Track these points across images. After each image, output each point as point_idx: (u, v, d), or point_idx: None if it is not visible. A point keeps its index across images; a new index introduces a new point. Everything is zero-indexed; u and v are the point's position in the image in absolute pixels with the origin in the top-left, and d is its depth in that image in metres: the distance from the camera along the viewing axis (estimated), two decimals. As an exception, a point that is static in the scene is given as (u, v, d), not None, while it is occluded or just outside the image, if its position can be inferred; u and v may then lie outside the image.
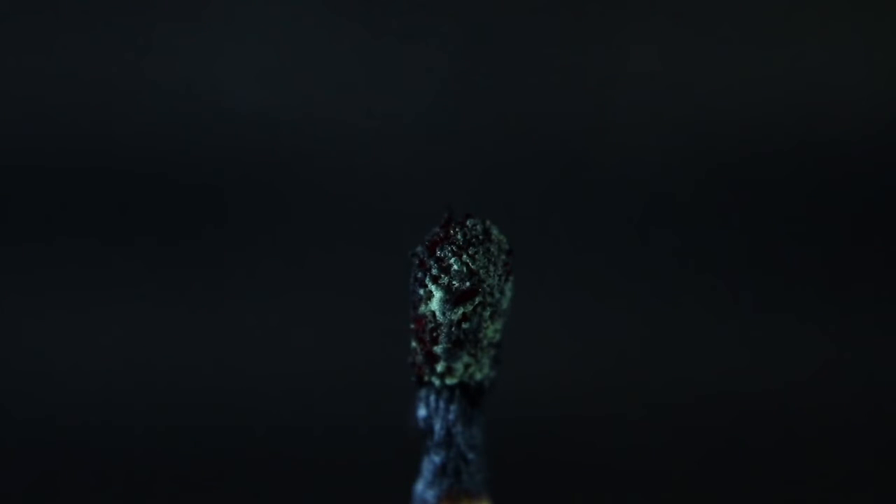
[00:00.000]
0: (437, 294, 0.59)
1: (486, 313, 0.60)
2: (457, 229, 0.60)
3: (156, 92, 1.26)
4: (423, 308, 0.59)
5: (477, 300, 0.59)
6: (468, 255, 0.59)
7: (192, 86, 1.26)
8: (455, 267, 0.59)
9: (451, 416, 0.61)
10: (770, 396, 1.21)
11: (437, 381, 0.61)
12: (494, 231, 0.60)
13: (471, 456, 0.62)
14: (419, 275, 0.60)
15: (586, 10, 1.28)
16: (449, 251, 0.59)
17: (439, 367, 0.61)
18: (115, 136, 1.26)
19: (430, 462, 0.62)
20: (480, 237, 0.60)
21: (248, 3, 1.27)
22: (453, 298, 0.59)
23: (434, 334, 0.60)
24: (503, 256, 0.60)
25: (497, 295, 0.60)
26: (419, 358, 0.61)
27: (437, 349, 0.60)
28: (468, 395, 0.61)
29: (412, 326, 0.60)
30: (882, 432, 1.20)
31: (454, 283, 0.59)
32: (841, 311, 1.26)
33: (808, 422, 1.20)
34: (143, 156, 1.26)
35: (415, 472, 0.63)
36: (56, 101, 1.26)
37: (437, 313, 0.59)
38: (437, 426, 0.62)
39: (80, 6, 1.26)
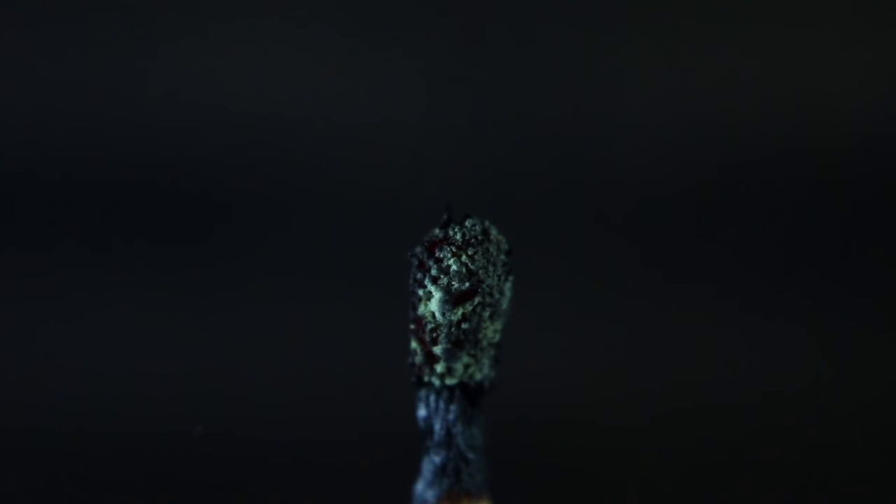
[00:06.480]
0: (437, 295, 0.59)
1: (486, 314, 0.60)
2: (456, 230, 0.60)
3: (155, 97, 1.26)
4: (422, 309, 0.60)
5: (476, 300, 0.59)
6: (467, 255, 0.59)
7: (192, 90, 1.26)
8: (454, 267, 0.59)
9: (451, 416, 0.61)
10: (770, 401, 1.21)
11: (436, 382, 0.61)
12: (493, 231, 0.60)
13: (471, 456, 0.62)
14: (418, 275, 0.60)
15: (587, 12, 1.28)
16: (448, 252, 0.59)
17: (439, 368, 0.61)
18: (114, 141, 1.26)
19: (430, 462, 0.62)
20: (479, 237, 0.60)
21: (250, 7, 1.27)
22: (453, 299, 0.59)
23: (434, 335, 0.60)
24: (502, 257, 0.60)
25: (496, 295, 0.60)
26: (419, 358, 0.61)
27: (437, 349, 0.60)
28: (468, 396, 0.61)
29: (412, 327, 0.60)
30: (881, 437, 1.20)
31: (453, 283, 0.59)
32: (840, 315, 1.26)
33: (808, 426, 1.20)
34: (141, 161, 1.26)
35: (415, 472, 0.63)
36: (56, 107, 1.26)
37: (437, 314, 0.59)
38: (437, 426, 0.62)
39: (80, 11, 1.26)
